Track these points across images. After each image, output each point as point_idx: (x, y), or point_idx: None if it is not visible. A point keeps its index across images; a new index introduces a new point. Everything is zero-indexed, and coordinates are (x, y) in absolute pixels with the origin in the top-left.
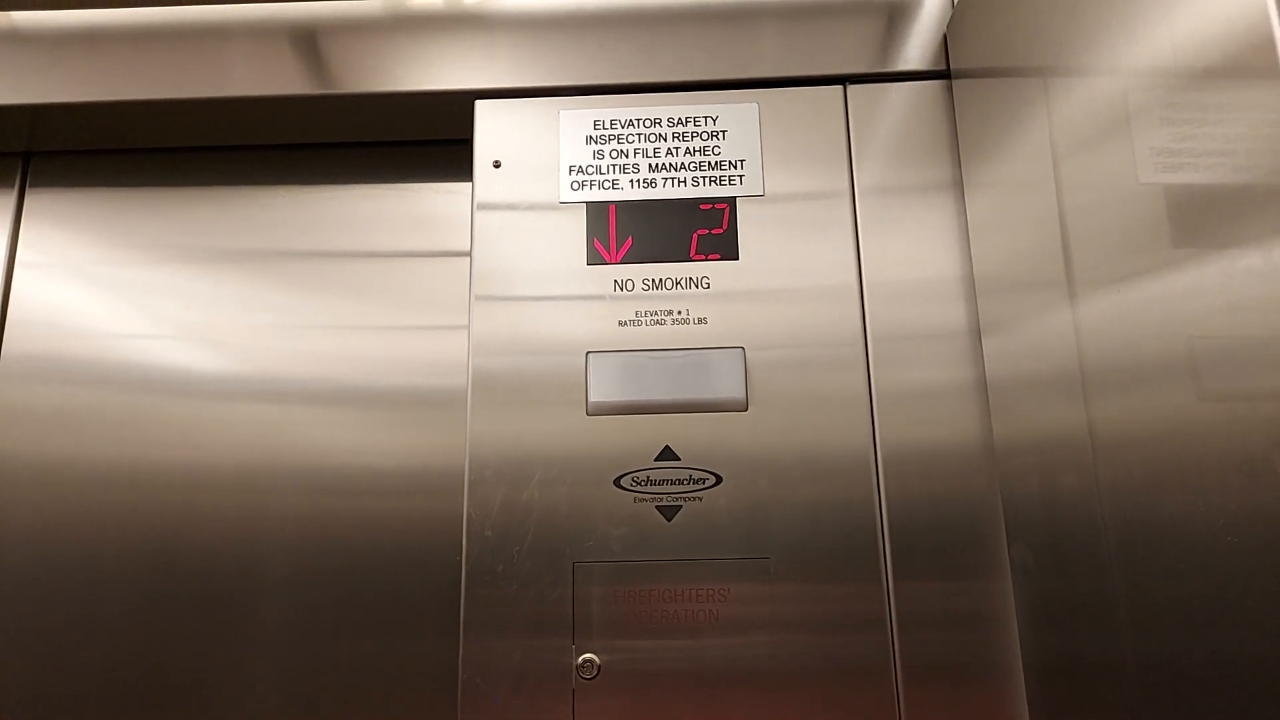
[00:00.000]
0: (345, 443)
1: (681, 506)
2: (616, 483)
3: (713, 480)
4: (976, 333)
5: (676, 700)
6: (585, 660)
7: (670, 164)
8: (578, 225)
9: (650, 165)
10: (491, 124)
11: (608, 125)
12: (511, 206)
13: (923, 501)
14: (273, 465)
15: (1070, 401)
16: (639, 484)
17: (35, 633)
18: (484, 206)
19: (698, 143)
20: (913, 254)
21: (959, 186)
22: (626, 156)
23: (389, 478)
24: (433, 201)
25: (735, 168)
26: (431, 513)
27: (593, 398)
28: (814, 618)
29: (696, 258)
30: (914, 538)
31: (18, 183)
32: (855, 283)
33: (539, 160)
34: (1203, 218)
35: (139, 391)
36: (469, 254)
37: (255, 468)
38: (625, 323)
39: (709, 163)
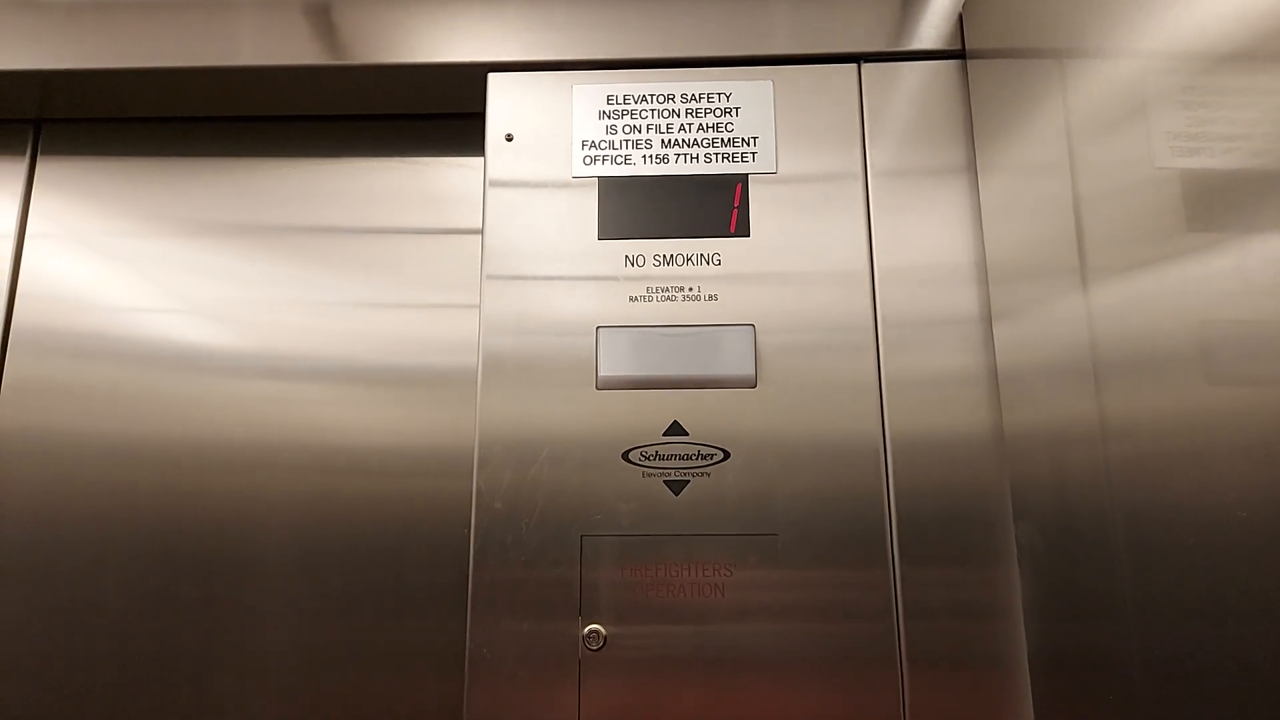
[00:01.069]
0: (353, 421)
1: (689, 481)
2: (625, 457)
3: (721, 456)
4: (988, 319)
5: (681, 672)
6: (591, 631)
7: (683, 140)
8: (589, 200)
9: (663, 141)
10: (504, 97)
11: (621, 100)
12: (523, 181)
13: (931, 489)
14: (280, 442)
15: (1081, 389)
16: (647, 459)
17: (40, 607)
18: (496, 181)
19: (711, 119)
20: (925, 238)
21: (973, 170)
22: (639, 132)
23: (397, 457)
24: (444, 176)
25: (748, 145)
26: (439, 493)
27: (602, 372)
28: (821, 597)
29: (708, 234)
30: (921, 525)
31: (29, 151)
32: (867, 267)
33: (551, 134)
34: (1219, 202)
35: (148, 366)
36: (480, 231)
37: (262, 445)
38: (636, 298)
39: (722, 139)
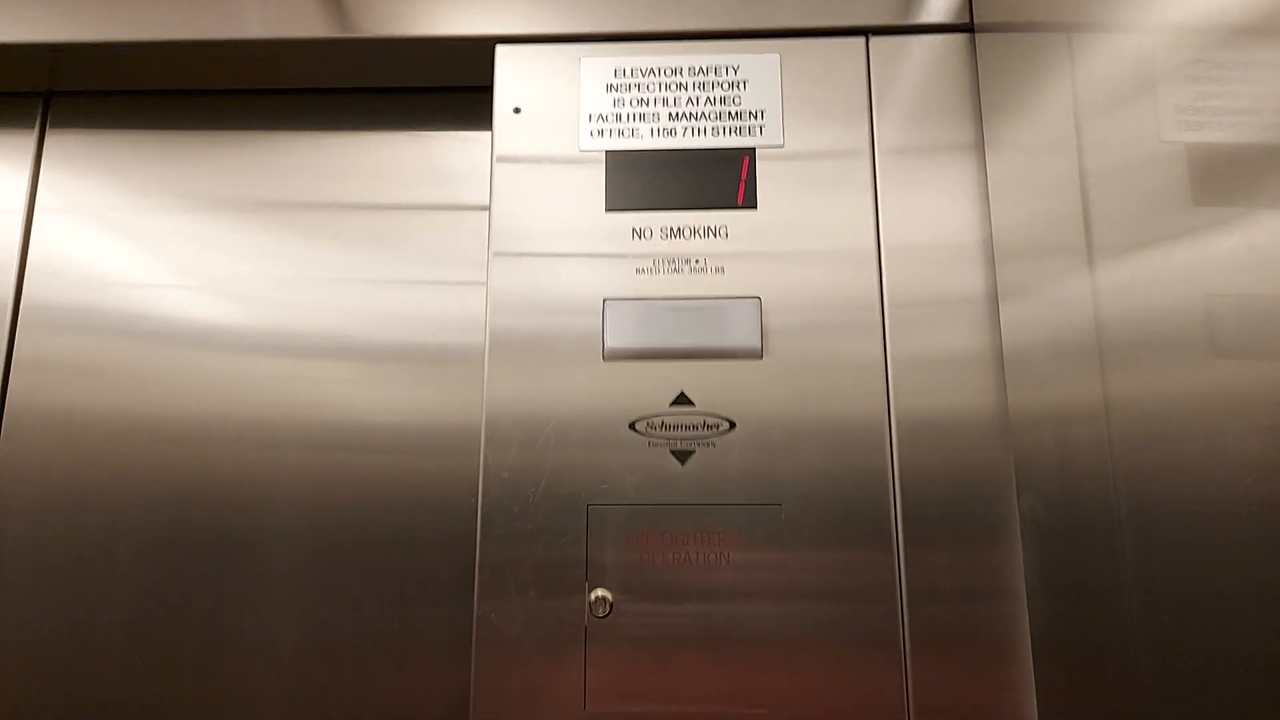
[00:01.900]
0: (362, 399)
1: (695, 451)
2: (632, 427)
3: (727, 426)
4: (994, 298)
5: (687, 640)
6: (598, 598)
7: (690, 113)
8: (597, 173)
9: (670, 114)
10: (512, 70)
11: (628, 73)
12: (531, 155)
13: (936, 469)
14: (288, 420)
15: (1086, 368)
16: (653, 429)
17: (49, 583)
18: (503, 156)
19: (718, 92)
20: (932, 217)
21: (980, 147)
22: (647, 105)
23: (406, 435)
24: (452, 151)
25: (756, 118)
26: (450, 471)
27: (609, 344)
28: (824, 571)
29: (715, 207)
30: (926, 505)
31: (38, 124)
32: (873, 245)
33: (559, 108)
34: (1226, 176)
35: (158, 343)
36: (488, 208)
37: (271, 422)
38: (643, 270)
39: (729, 113)
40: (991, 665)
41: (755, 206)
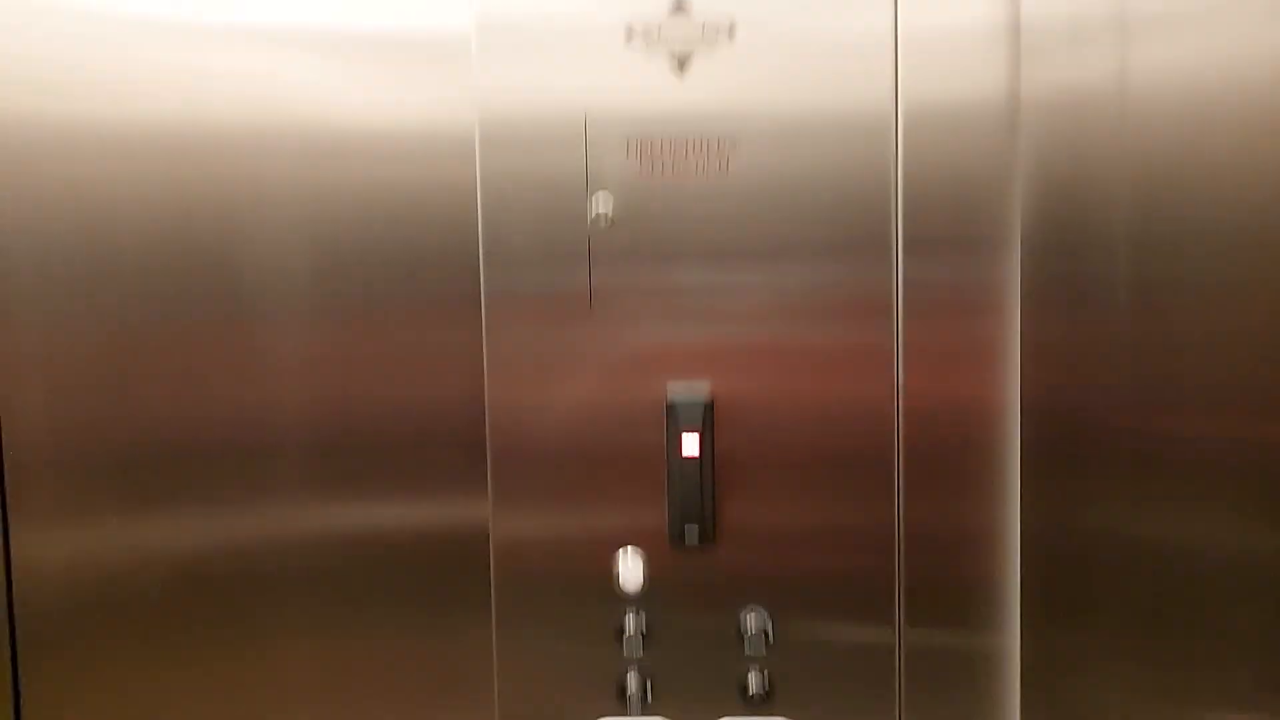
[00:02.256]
0: (343, 98)
1: (694, 57)
2: (628, 35)
3: (726, 32)
4: None
5: (685, 249)
6: (598, 208)
7: None
8: None
9: None
10: None
11: None
12: None
13: (938, 156)
14: (273, 126)
15: (1107, 41)
16: (650, 35)
17: (38, 312)
18: None
19: None
20: None
21: None
22: None
23: (400, 139)
24: None
25: None
26: (451, 179)
27: None
28: (823, 191)
29: None
30: (927, 196)
31: None
32: None
33: None
34: None
35: (119, 38)
36: None
37: (253, 130)
38: None
39: None
40: (980, 365)
41: None
